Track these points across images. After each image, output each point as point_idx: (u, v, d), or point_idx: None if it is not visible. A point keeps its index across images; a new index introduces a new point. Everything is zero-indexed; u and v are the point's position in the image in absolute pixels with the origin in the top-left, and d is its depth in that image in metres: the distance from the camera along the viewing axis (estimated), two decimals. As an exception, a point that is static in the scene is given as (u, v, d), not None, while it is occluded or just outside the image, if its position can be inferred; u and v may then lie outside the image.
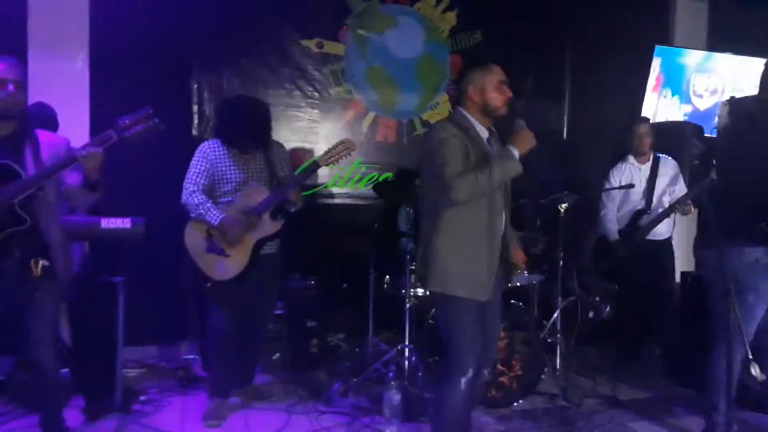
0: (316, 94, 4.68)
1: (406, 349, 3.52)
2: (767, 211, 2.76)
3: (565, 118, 5.33)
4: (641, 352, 4.32)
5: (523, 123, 2.49)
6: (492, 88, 2.46)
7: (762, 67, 5.27)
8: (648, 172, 4.22)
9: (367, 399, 3.39)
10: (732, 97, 4.82)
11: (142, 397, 3.40)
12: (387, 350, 3.63)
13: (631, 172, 4.24)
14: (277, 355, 3.94)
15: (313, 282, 4.13)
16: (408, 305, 3.55)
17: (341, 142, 3.28)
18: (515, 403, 3.36)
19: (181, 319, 4.13)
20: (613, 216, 4.26)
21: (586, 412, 3.38)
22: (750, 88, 5.30)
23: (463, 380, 2.46)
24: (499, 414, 3.30)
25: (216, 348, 3.23)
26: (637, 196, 4.19)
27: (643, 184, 4.19)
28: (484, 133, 2.52)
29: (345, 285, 4.43)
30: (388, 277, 3.93)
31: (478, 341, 2.47)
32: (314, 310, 4.04)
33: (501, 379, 3.33)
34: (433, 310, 3.18)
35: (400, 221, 3.95)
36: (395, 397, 3.09)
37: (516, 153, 2.41)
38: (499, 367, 3.31)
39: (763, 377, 2.33)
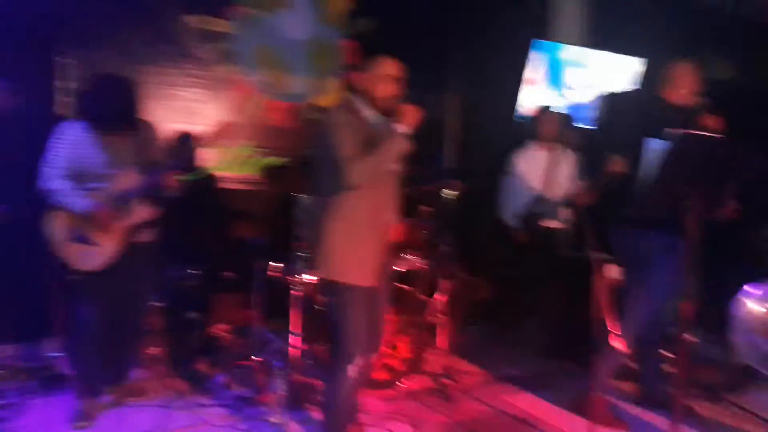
0: (200, 72, 4.47)
1: (293, 337, 3.47)
2: (640, 198, 2.96)
3: (456, 107, 5.45)
4: (521, 328, 4.54)
5: (404, 101, 2.50)
6: (380, 81, 2.49)
7: (635, 66, 5.70)
8: (548, 160, 4.38)
9: (252, 389, 3.31)
10: (608, 92, 5.19)
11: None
12: (273, 339, 3.56)
13: (532, 160, 4.38)
14: (155, 349, 3.75)
15: (195, 271, 3.96)
16: (295, 293, 3.49)
17: (222, 124, 3.14)
18: (400, 384, 3.42)
19: (42, 315, 3.77)
20: (512, 202, 4.40)
21: (467, 388, 3.50)
22: (622, 84, 5.70)
23: (351, 367, 2.47)
24: (384, 395, 3.34)
25: (84, 344, 3.01)
26: (536, 184, 4.35)
27: (543, 172, 4.35)
28: (376, 119, 2.53)
29: (230, 274, 4.29)
30: (275, 264, 3.84)
31: (366, 328, 2.49)
32: (197, 300, 3.88)
33: (387, 360, 3.37)
34: (322, 296, 3.15)
35: (290, 207, 3.88)
36: (281, 385, 3.04)
37: (403, 130, 2.44)
38: (385, 349, 3.35)
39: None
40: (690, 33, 5.53)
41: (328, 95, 4.91)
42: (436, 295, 4.00)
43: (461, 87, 5.40)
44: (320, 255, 2.47)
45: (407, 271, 3.77)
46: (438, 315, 3.98)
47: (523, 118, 5.05)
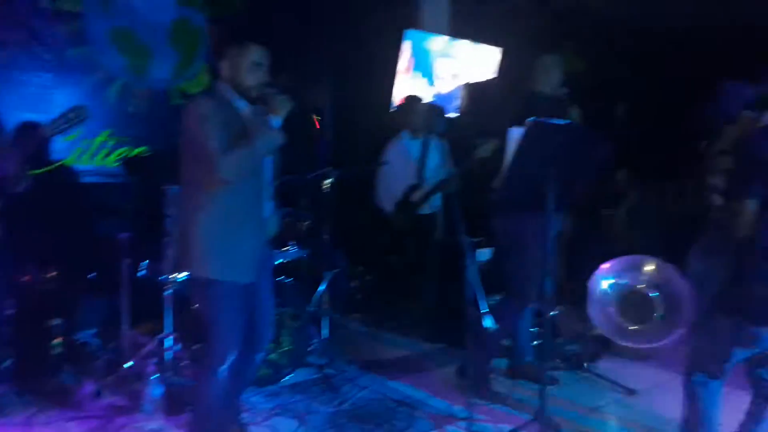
0: (49, 55, 4.06)
1: (167, 340, 3.30)
2: (504, 183, 3.12)
3: (329, 95, 5.42)
4: (401, 314, 4.66)
5: (274, 90, 2.42)
6: (245, 68, 2.37)
7: (497, 55, 5.97)
8: (420, 149, 4.48)
9: (125, 397, 3.11)
10: (470, 81, 5.42)
11: None
12: (146, 342, 3.35)
13: (405, 148, 4.46)
14: (8, 362, 3.38)
15: (53, 274, 3.61)
16: (167, 292, 3.31)
17: (71, 109, 2.87)
18: (285, 378, 3.38)
19: None
20: (389, 190, 4.46)
21: (350, 376, 3.54)
22: (484, 73, 5.99)
23: (223, 368, 2.37)
24: (269, 391, 3.29)
25: None
26: (411, 171, 4.44)
27: (416, 160, 4.44)
28: (245, 108, 2.43)
29: (93, 274, 3.97)
30: (144, 263, 3.61)
31: (240, 327, 2.40)
32: (56, 305, 3.55)
33: (270, 356, 3.31)
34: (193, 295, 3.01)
35: (156, 201, 3.65)
36: (156, 391, 2.88)
37: (276, 120, 2.37)
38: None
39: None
40: (544, 25, 5.92)
41: (195, 80, 4.68)
42: (318, 286, 3.98)
43: (335, 76, 5.38)
44: (189, 251, 2.34)
45: (287, 263, 3.72)
46: (320, 306, 3.98)
47: (394, 107, 5.14)
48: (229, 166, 2.23)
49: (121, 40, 4.35)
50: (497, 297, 3.70)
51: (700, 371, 2.43)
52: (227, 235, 2.34)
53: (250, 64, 2.38)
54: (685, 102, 7.76)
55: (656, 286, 4.07)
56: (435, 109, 5.31)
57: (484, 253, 4.21)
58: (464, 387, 3.28)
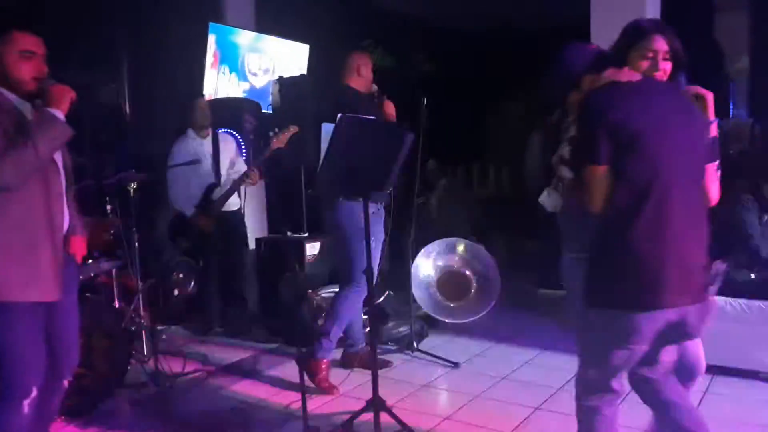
0: None
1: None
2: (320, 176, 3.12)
3: (126, 92, 5.03)
4: (228, 318, 4.47)
5: (52, 81, 2.13)
6: (15, 59, 2.07)
7: (305, 52, 5.99)
8: (210, 147, 4.32)
9: None
10: (281, 77, 5.36)
11: None
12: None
13: (194, 148, 4.26)
14: None
15: None
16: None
17: None
18: (101, 404, 3.05)
19: None
20: (184, 192, 4.23)
21: (180, 390, 3.32)
22: (296, 68, 5.98)
23: (27, 402, 2.08)
24: (83, 421, 2.95)
25: None
26: (206, 171, 4.26)
27: (209, 159, 4.27)
28: (21, 105, 2.12)
29: None
30: None
31: (42, 352, 2.13)
32: None
33: (82, 382, 2.96)
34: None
35: None
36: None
37: (58, 114, 2.08)
38: (79, 369, 2.93)
39: None
40: (351, 23, 6.09)
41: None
42: (131, 299, 3.67)
43: (137, 71, 5.01)
44: None
45: (94, 276, 3.38)
46: (136, 320, 3.66)
47: (178, 106, 4.92)
48: (6, 170, 1.94)
49: None
50: (330, 289, 3.73)
51: (589, 392, 1.97)
52: (18, 249, 2.04)
53: (20, 54, 2.08)
54: (483, 94, 8.53)
55: (469, 265, 4.43)
56: (247, 105, 5.20)
57: (314, 247, 4.22)
58: (301, 383, 3.26)
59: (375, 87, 3.49)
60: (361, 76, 3.44)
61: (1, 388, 2.10)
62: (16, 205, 2.03)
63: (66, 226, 2.25)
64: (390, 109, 3.49)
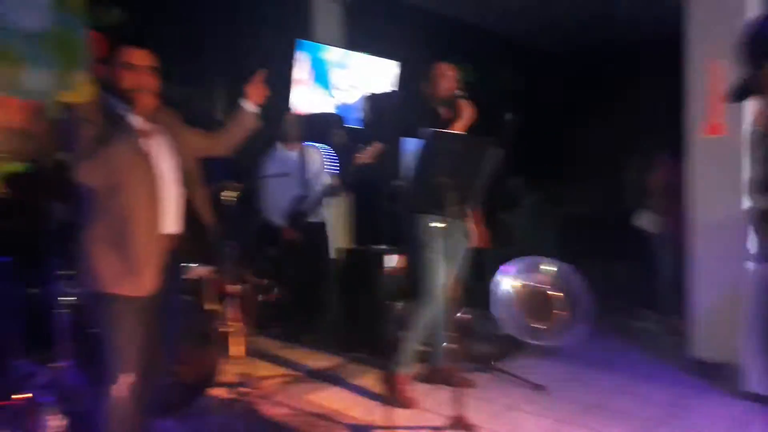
0: None
1: (64, 367, 3.01)
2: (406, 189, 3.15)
3: (221, 105, 5.27)
4: (312, 326, 4.57)
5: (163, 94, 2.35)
6: (129, 71, 2.27)
7: (393, 68, 6.08)
8: (299, 160, 4.45)
9: (19, 430, 2.80)
10: (371, 92, 5.49)
11: None
12: (38, 371, 3.05)
13: (284, 160, 4.41)
14: None
15: None
16: (60, 316, 3.03)
17: None
18: (195, 401, 3.19)
19: None
20: (273, 203, 4.38)
21: (267, 393, 3.42)
22: (384, 85, 6.08)
23: (118, 388, 2.23)
24: (180, 416, 3.09)
25: None
26: (294, 183, 4.39)
27: (298, 171, 4.40)
28: (137, 122, 2.30)
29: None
30: (33, 288, 3.29)
31: (136, 345, 2.26)
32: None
33: (179, 379, 3.11)
34: (87, 312, 2.78)
35: (40, 218, 3.35)
36: (54, 422, 2.61)
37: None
38: (176, 367, 3.09)
39: None
40: (440, 40, 6.13)
41: (76, 91, 4.37)
42: (226, 303, 3.82)
43: (230, 86, 5.24)
44: (81, 265, 2.21)
45: (193, 280, 3.54)
46: (229, 323, 3.81)
47: (264, 119, 5.08)
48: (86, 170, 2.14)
49: (-10, 49, 3.98)
50: (408, 302, 3.73)
51: None
52: (120, 246, 2.20)
53: (133, 67, 2.29)
54: (575, 111, 8.34)
55: (555, 285, 4.30)
56: (333, 119, 5.33)
57: (392, 260, 4.25)
58: (382, 395, 3.28)
59: (458, 92, 3.42)
60: (444, 85, 3.42)
61: (100, 375, 2.25)
62: (118, 203, 2.20)
63: (172, 228, 2.38)
64: (467, 111, 3.38)
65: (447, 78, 3.43)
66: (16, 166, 4.00)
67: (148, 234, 2.26)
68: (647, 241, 4.52)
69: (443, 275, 3.29)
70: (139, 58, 2.31)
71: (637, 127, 6.58)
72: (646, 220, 4.51)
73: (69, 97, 4.33)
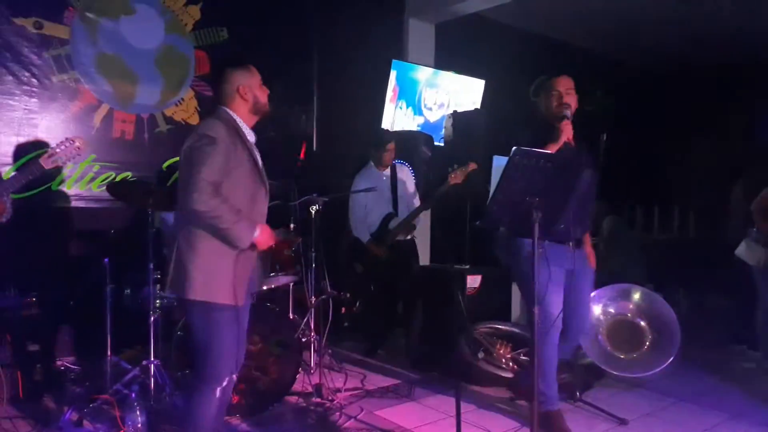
0: (34, 80, 4.05)
1: (152, 366, 3.21)
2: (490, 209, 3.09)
3: (314, 123, 5.45)
4: (389, 342, 4.59)
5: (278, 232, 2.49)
6: (258, 86, 2.49)
7: (480, 87, 6.06)
8: (389, 178, 4.52)
9: (107, 424, 3.00)
10: (455, 111, 5.48)
11: None
12: (129, 369, 3.27)
13: (375, 178, 4.49)
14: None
15: (33, 298, 3.52)
16: (152, 318, 3.24)
17: (69, 140, 2.84)
18: (271, 407, 3.29)
19: None
20: (362, 219, 4.46)
21: (338, 406, 3.46)
22: (470, 103, 6.08)
23: (219, 389, 2.37)
24: (255, 420, 3.20)
25: None
26: (384, 200, 4.45)
27: (388, 190, 4.46)
28: (251, 136, 2.48)
29: (75, 300, 3.88)
30: (128, 289, 3.54)
31: (236, 347, 2.41)
32: (37, 330, 3.44)
33: (257, 385, 3.23)
34: (187, 317, 2.94)
35: (143, 226, 3.60)
36: (139, 418, 2.79)
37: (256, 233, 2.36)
38: (254, 372, 3.22)
39: None
40: (527, 58, 6.05)
41: (181, 107, 4.68)
42: (305, 313, 3.93)
43: (322, 104, 5.43)
44: (188, 275, 2.31)
45: (275, 289, 3.67)
46: (307, 333, 3.92)
47: (357, 137, 5.19)
48: (203, 203, 2.22)
49: (108, 67, 4.35)
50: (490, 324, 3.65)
51: None
52: (226, 258, 2.33)
53: (260, 83, 2.50)
54: (667, 131, 7.96)
55: (645, 315, 4.08)
56: (422, 137, 5.37)
57: (476, 280, 4.21)
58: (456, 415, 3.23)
59: (566, 111, 3.13)
60: (554, 100, 3.16)
61: (197, 378, 2.37)
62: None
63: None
64: (566, 132, 3.07)
65: (564, 95, 3.14)
66: (124, 175, 4.34)
67: (249, 248, 2.38)
68: (748, 273, 4.20)
69: (556, 302, 3.09)
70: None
71: (742, 151, 6.18)
72: (748, 251, 4.19)
73: (174, 112, 4.65)
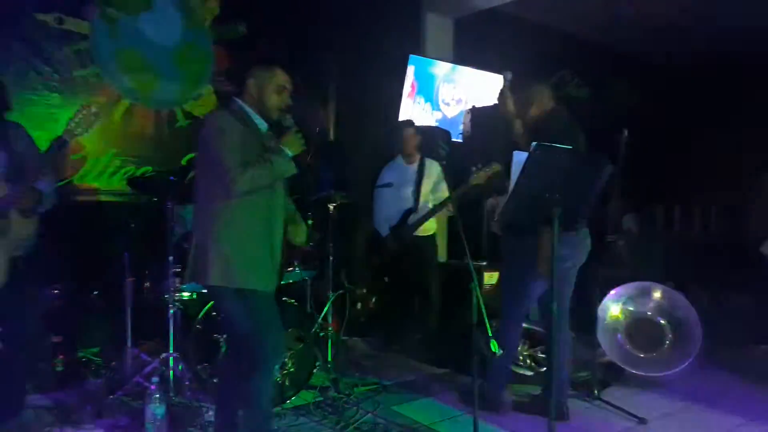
0: (56, 75, 4.09)
1: (171, 358, 3.24)
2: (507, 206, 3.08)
3: (333, 118, 5.45)
4: (404, 338, 4.59)
5: (292, 122, 2.51)
6: (272, 89, 2.48)
7: (499, 82, 5.99)
8: (416, 173, 4.48)
9: (127, 416, 3.04)
10: (473, 106, 5.44)
11: None
12: (149, 361, 3.30)
13: (400, 172, 4.46)
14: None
15: (57, 291, 3.57)
16: (172, 311, 3.27)
17: (85, 107, 2.82)
18: (288, 400, 3.31)
19: None
20: (383, 213, 4.45)
21: (355, 400, 3.47)
22: (488, 99, 6.02)
23: (274, 367, 2.53)
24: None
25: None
26: (406, 195, 4.42)
27: (412, 184, 4.44)
28: (263, 126, 2.51)
29: (96, 292, 3.92)
30: (147, 282, 3.58)
31: (276, 332, 2.48)
32: (59, 322, 3.49)
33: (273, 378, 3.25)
34: (218, 307, 2.94)
35: (163, 219, 3.63)
36: (158, 410, 2.81)
37: (289, 153, 2.43)
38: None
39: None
40: (547, 53, 5.99)
41: (200, 102, 4.71)
42: (322, 308, 3.94)
43: (340, 99, 5.42)
44: (213, 263, 2.34)
45: (292, 283, 3.68)
46: (324, 327, 3.92)
47: (386, 131, 5.16)
48: (245, 182, 2.28)
49: (127, 62, 4.38)
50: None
51: None
52: (251, 246, 2.38)
53: (277, 87, 2.48)
54: (688, 128, 7.83)
55: (665, 313, 4.03)
56: (439, 133, 5.34)
57: (492, 276, 4.18)
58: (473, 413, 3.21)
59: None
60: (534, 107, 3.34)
61: (246, 365, 2.40)
62: (247, 208, 2.36)
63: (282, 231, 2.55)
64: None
65: (541, 100, 3.34)
66: (144, 169, 4.37)
67: (274, 235, 2.46)
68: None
69: (536, 294, 3.20)
70: (288, 81, 2.52)
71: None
72: None
73: (193, 107, 4.68)
